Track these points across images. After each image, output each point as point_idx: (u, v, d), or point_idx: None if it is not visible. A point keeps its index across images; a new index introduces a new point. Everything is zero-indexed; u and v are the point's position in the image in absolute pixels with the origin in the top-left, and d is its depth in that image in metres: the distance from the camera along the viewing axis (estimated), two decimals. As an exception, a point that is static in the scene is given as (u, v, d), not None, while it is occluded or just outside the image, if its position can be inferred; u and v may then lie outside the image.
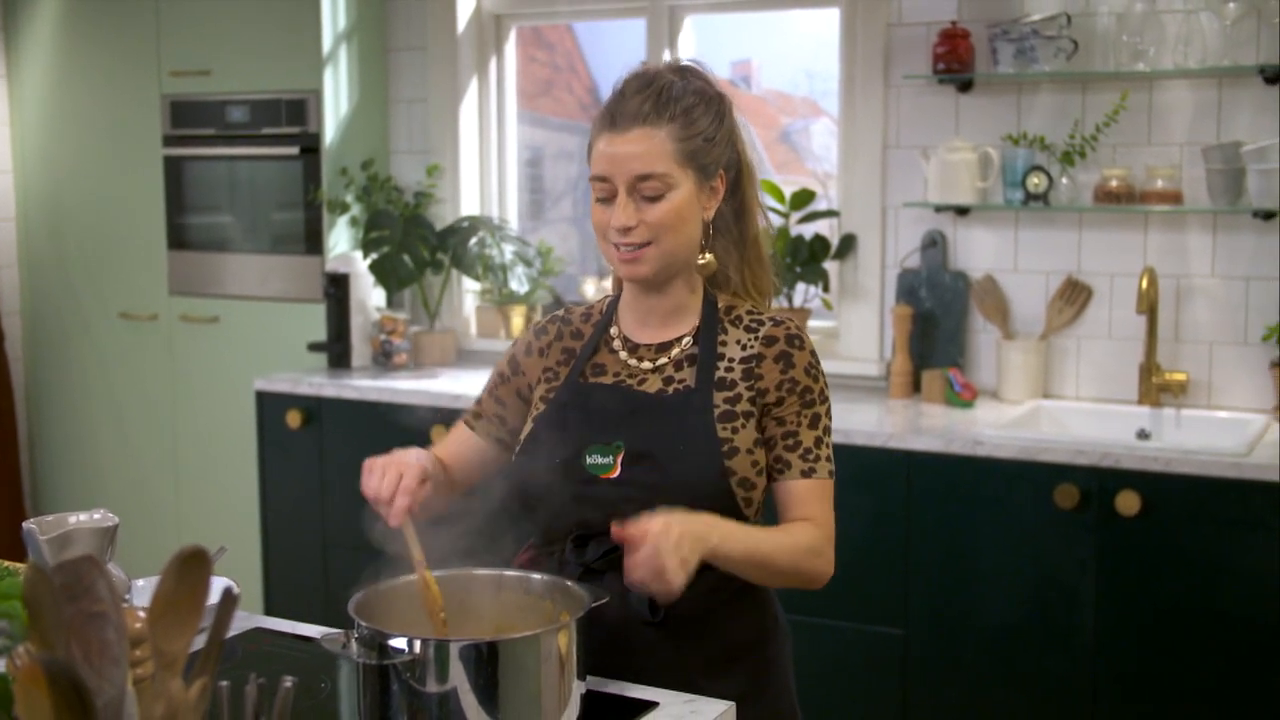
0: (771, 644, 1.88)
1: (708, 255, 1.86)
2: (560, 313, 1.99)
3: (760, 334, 1.85)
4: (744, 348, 1.84)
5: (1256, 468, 2.93)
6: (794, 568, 1.76)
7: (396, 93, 4.47)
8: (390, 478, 1.70)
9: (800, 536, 1.77)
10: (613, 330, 1.92)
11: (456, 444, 1.98)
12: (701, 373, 1.83)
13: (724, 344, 1.85)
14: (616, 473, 1.79)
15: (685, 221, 1.81)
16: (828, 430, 1.85)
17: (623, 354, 1.89)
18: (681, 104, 1.79)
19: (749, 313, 1.89)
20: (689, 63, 1.88)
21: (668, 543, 1.55)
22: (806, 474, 1.81)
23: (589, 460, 1.80)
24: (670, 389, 1.83)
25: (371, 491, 1.71)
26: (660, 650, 1.78)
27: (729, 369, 1.83)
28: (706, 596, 1.78)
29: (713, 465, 1.77)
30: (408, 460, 1.73)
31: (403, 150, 4.49)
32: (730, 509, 1.77)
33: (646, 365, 1.87)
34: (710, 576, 1.74)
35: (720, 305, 1.89)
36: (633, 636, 1.77)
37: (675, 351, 1.86)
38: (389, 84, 4.47)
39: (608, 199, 1.80)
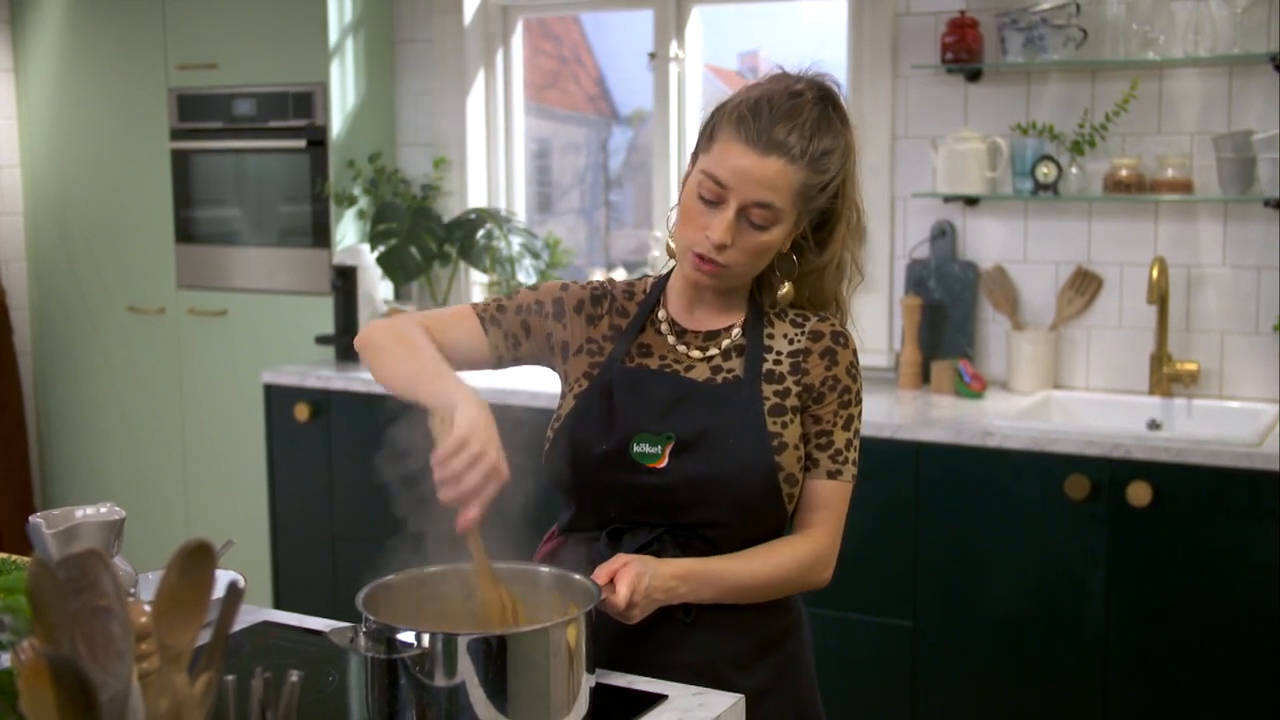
0: (795, 637, 1.87)
1: (786, 285, 1.84)
2: (606, 283, 1.94)
3: (806, 329, 1.83)
4: (791, 341, 1.83)
5: (1268, 458, 2.91)
6: (780, 588, 1.80)
7: (403, 85, 4.46)
8: (475, 479, 1.53)
9: (787, 557, 1.78)
10: (660, 313, 1.89)
11: (457, 328, 1.84)
12: (750, 364, 1.81)
13: (771, 337, 1.84)
14: (664, 463, 1.75)
15: (769, 255, 1.78)
16: (857, 433, 1.84)
17: (670, 338, 1.86)
18: (820, 146, 1.72)
19: (793, 307, 1.87)
20: (831, 84, 1.79)
21: (640, 588, 1.64)
22: (832, 475, 1.81)
23: (636, 449, 1.76)
24: (719, 378, 1.81)
25: (452, 484, 1.53)
26: (691, 647, 1.77)
27: (777, 362, 1.81)
28: None
29: (762, 460, 1.75)
30: (499, 464, 1.55)
31: (410, 143, 4.48)
32: (774, 505, 1.76)
33: (696, 354, 1.84)
34: None
35: (765, 299, 1.87)
36: (663, 634, 1.76)
37: (725, 342, 1.84)
38: (396, 76, 4.46)
39: (714, 202, 1.73)
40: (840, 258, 1.85)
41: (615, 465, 1.77)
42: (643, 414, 1.78)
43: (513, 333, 1.87)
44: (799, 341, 1.83)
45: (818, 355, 1.81)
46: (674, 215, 1.85)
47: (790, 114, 1.72)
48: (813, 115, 1.73)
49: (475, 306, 1.88)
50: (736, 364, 1.82)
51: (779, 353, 1.82)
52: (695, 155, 1.80)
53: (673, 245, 1.86)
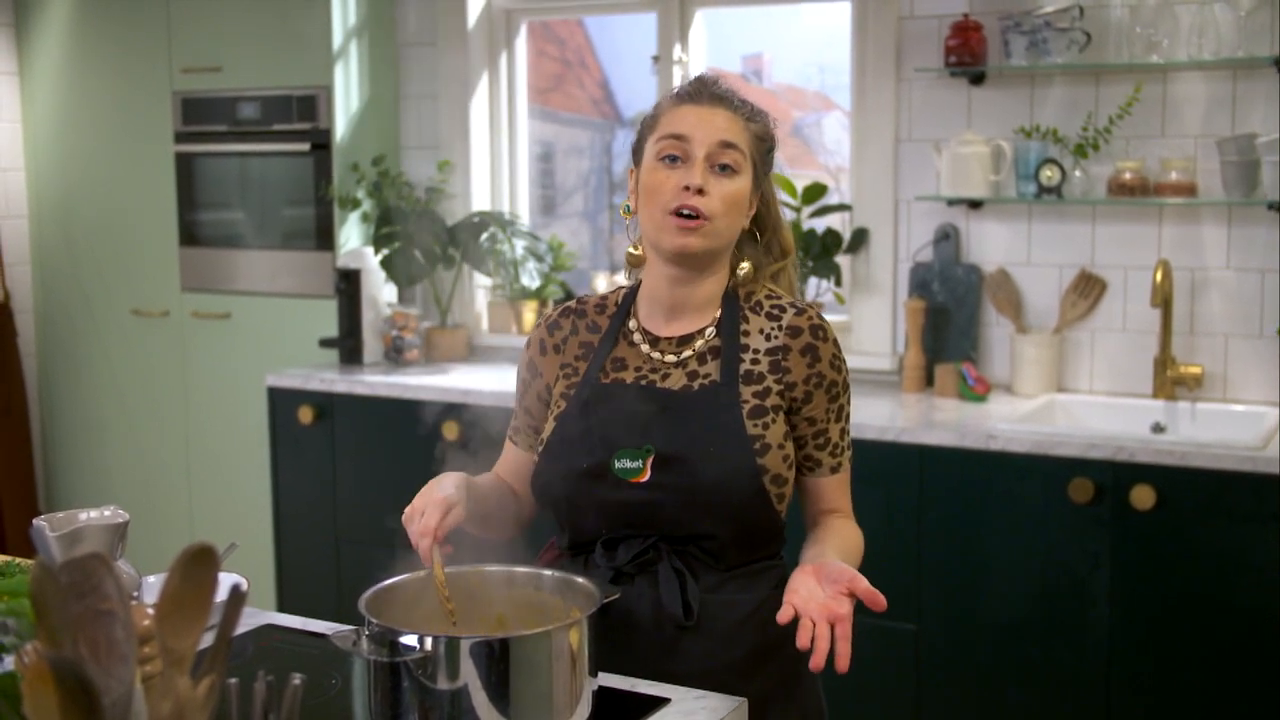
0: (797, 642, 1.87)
1: (746, 265, 1.87)
2: (572, 304, 1.94)
3: (783, 323, 1.83)
4: (768, 338, 1.82)
5: (1272, 461, 2.91)
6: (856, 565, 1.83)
7: (407, 88, 4.47)
8: (415, 528, 1.68)
9: (853, 537, 1.86)
10: (631, 323, 1.88)
11: (510, 462, 1.96)
12: (726, 366, 1.80)
13: (746, 334, 1.83)
14: (647, 476, 1.75)
15: (741, 211, 1.82)
16: (848, 417, 1.87)
17: (644, 347, 1.86)
18: (758, 111, 1.85)
19: (769, 298, 1.87)
20: None
21: (827, 599, 1.65)
22: (835, 469, 1.85)
23: (618, 465, 1.77)
24: (695, 384, 1.80)
25: (410, 538, 1.70)
26: (693, 653, 1.76)
27: (755, 361, 1.81)
28: (737, 600, 1.78)
29: (746, 465, 1.74)
30: (431, 499, 1.69)
31: (413, 146, 4.48)
32: (763, 506, 1.76)
33: (670, 359, 1.83)
34: (738, 583, 1.78)
35: (740, 293, 1.87)
36: (666, 640, 1.76)
37: (699, 344, 1.83)
38: (400, 79, 4.47)
39: (680, 159, 1.78)
40: (778, 209, 1.93)
41: (599, 483, 1.77)
42: (621, 429, 1.78)
43: (528, 425, 1.94)
44: (776, 338, 1.82)
45: (798, 353, 1.81)
46: (634, 219, 1.87)
47: (717, 83, 1.86)
48: (734, 88, 1.87)
49: (508, 433, 1.99)
50: (713, 367, 1.81)
51: (756, 351, 1.82)
52: (639, 153, 1.85)
53: (636, 253, 1.89)
